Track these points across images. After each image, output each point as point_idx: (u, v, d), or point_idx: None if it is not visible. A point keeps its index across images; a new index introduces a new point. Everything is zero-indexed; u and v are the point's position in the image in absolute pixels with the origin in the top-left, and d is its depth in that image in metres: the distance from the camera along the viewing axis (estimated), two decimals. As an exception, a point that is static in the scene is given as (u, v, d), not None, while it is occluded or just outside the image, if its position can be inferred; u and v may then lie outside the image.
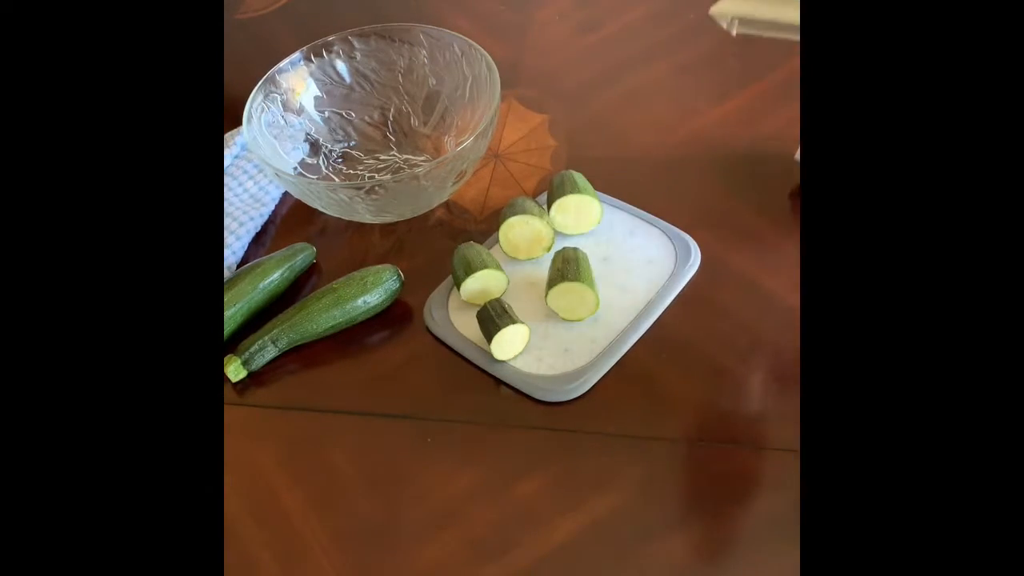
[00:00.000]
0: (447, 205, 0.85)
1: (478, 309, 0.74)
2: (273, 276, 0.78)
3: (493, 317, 0.72)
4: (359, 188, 0.77)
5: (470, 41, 0.85)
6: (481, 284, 0.75)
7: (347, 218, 0.83)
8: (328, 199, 0.79)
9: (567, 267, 0.73)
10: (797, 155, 0.82)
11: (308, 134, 0.88)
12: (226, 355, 0.75)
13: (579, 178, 0.79)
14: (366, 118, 0.90)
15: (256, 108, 0.83)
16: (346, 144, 0.89)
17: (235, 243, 0.82)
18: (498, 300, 0.73)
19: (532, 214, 0.77)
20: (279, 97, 0.86)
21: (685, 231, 0.79)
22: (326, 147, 0.88)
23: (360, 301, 0.76)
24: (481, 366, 0.73)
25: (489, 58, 0.83)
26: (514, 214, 0.78)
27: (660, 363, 0.72)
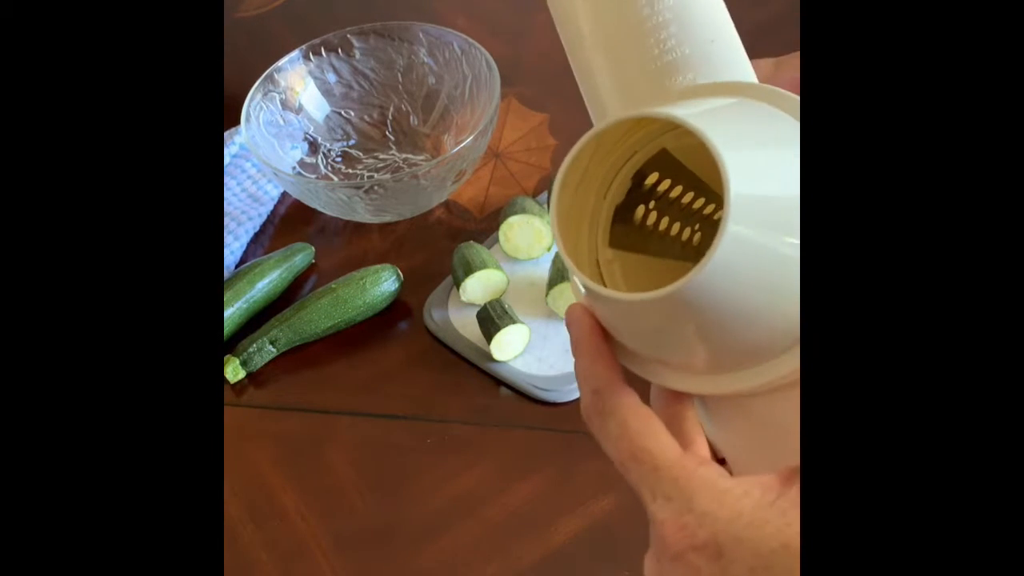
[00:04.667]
0: (447, 205, 0.85)
1: (478, 309, 0.73)
2: (272, 276, 0.78)
3: (493, 317, 0.71)
4: (358, 187, 0.77)
5: (470, 39, 0.85)
6: (481, 284, 0.75)
7: (346, 218, 0.83)
8: (327, 198, 0.79)
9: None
10: None
11: (307, 133, 0.87)
12: (224, 356, 0.75)
13: (579, 177, 0.79)
14: (365, 117, 0.90)
15: (255, 107, 0.83)
16: (345, 143, 0.89)
17: (233, 243, 0.82)
18: (498, 300, 0.73)
19: (532, 214, 0.77)
20: (278, 96, 0.86)
21: (686, 230, 0.79)
22: (325, 146, 0.88)
23: (359, 301, 0.76)
24: (481, 366, 0.73)
25: (489, 56, 0.83)
26: (514, 214, 0.77)
27: (661, 363, 0.71)
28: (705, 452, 0.38)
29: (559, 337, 0.73)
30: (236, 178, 0.87)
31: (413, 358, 0.75)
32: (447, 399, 0.72)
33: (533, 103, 0.93)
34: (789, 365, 0.34)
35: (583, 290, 0.38)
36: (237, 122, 0.82)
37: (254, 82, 0.84)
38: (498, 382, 0.72)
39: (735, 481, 0.34)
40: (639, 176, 0.39)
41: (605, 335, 0.38)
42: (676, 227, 0.40)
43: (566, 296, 0.73)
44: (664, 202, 0.40)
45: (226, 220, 0.83)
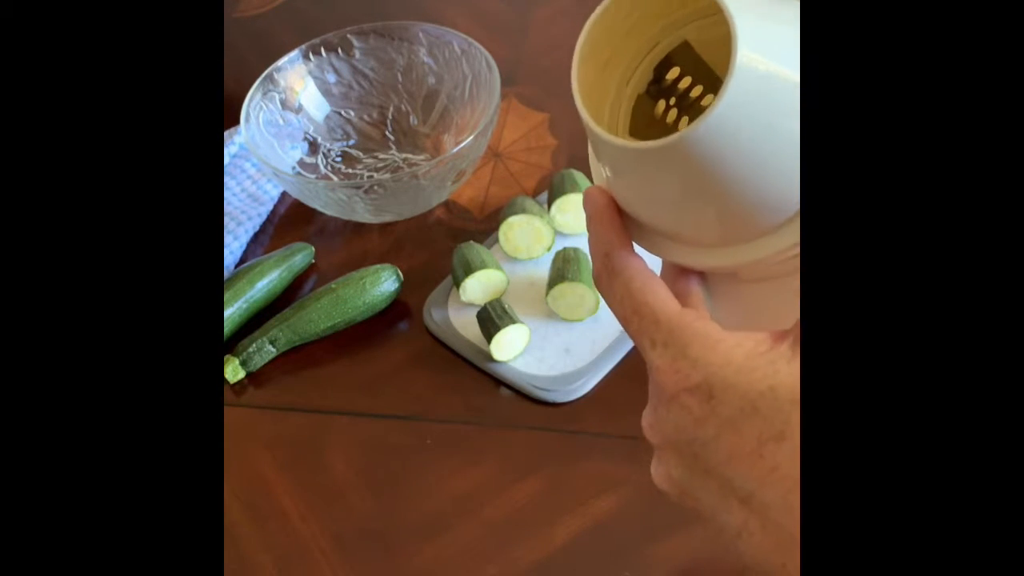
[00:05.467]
0: (447, 204, 0.85)
1: (478, 309, 0.73)
2: (271, 276, 0.78)
3: (493, 317, 0.71)
4: (358, 187, 0.77)
5: (470, 39, 0.85)
6: (481, 284, 0.75)
7: (346, 218, 0.83)
8: (327, 198, 0.79)
9: (567, 267, 0.73)
10: None
11: (306, 133, 0.87)
12: (224, 356, 0.75)
13: (580, 177, 0.79)
14: (365, 117, 0.90)
15: (254, 107, 0.83)
16: (345, 143, 0.89)
17: (233, 243, 0.82)
18: (498, 300, 0.73)
19: (532, 213, 0.77)
20: (277, 96, 0.86)
21: (686, 230, 0.79)
22: (325, 146, 0.88)
23: (359, 301, 0.76)
24: (481, 367, 0.73)
25: (489, 56, 0.83)
26: (514, 213, 0.77)
27: (661, 363, 0.71)
28: (704, 315, 0.40)
29: (559, 337, 0.73)
30: (236, 178, 0.87)
31: (413, 358, 0.75)
32: (447, 399, 0.72)
33: (533, 103, 0.93)
34: (785, 241, 0.36)
35: (603, 169, 0.39)
36: (237, 122, 0.82)
37: (254, 82, 0.83)
38: (498, 382, 0.72)
39: (729, 334, 0.36)
40: (662, 68, 0.39)
41: (618, 210, 0.40)
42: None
43: (566, 296, 0.73)
44: (685, 101, 0.41)
45: (226, 220, 0.83)
